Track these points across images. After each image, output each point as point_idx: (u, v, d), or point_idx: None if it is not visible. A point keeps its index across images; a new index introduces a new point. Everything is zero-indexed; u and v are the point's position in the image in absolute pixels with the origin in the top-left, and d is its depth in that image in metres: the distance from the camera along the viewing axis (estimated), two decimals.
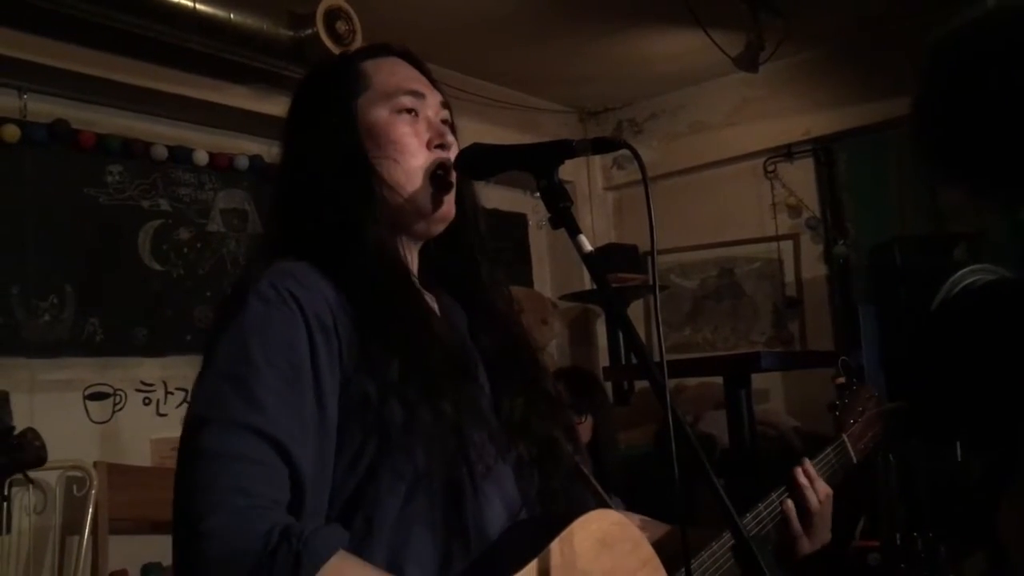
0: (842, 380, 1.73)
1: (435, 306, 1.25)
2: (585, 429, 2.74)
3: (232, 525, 0.93)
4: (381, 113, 1.22)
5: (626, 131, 5.48)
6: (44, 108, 3.39)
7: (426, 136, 1.22)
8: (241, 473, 0.97)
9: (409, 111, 1.23)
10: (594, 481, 1.24)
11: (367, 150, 1.20)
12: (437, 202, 1.21)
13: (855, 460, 1.56)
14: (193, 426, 1.00)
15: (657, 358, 1.03)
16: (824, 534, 1.44)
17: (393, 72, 1.26)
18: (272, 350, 1.03)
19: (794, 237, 4.98)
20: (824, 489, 1.45)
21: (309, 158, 1.21)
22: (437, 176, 1.21)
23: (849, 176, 4.81)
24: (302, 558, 0.90)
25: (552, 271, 5.42)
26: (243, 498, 0.95)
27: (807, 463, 1.46)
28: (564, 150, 1.14)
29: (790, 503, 1.42)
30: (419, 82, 1.26)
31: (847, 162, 4.82)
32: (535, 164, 1.15)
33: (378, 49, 1.30)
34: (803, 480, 1.43)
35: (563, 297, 5.08)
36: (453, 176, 1.23)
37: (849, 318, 4.32)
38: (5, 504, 2.84)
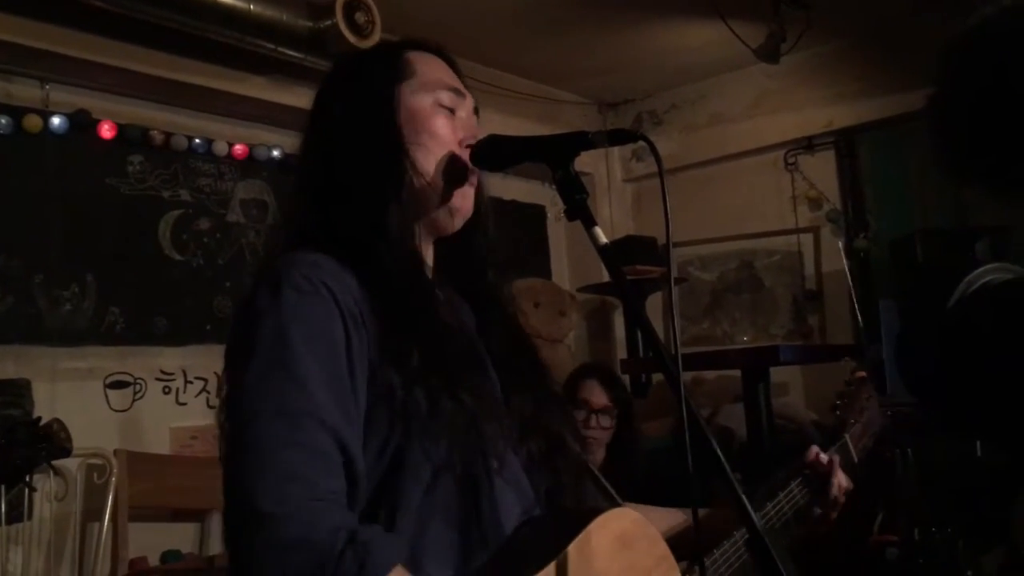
0: (863, 373, 1.72)
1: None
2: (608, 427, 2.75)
3: (295, 514, 0.93)
4: (424, 101, 1.23)
5: (646, 123, 5.45)
6: (66, 98, 3.42)
7: (460, 134, 1.24)
8: (298, 461, 0.97)
9: (449, 108, 1.25)
10: (602, 478, 1.25)
11: (403, 134, 1.21)
12: (447, 195, 1.22)
13: (856, 459, 1.58)
14: (245, 415, 1.00)
15: (673, 351, 1.03)
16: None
17: (436, 68, 1.28)
18: (312, 339, 1.03)
19: (814, 230, 4.94)
20: (846, 481, 1.49)
21: (342, 135, 1.22)
22: (455, 169, 1.22)
23: (871, 168, 4.76)
24: (366, 569, 0.91)
25: (570, 263, 5.41)
26: (303, 487, 0.95)
27: (817, 451, 1.50)
28: (580, 142, 1.15)
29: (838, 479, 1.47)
30: (457, 82, 1.29)
31: (869, 154, 4.77)
32: (551, 156, 1.16)
33: (418, 43, 1.32)
34: (821, 465, 1.48)
35: (581, 289, 5.06)
36: (472, 172, 1.23)
37: (870, 312, 4.29)
38: (27, 491, 2.87)
